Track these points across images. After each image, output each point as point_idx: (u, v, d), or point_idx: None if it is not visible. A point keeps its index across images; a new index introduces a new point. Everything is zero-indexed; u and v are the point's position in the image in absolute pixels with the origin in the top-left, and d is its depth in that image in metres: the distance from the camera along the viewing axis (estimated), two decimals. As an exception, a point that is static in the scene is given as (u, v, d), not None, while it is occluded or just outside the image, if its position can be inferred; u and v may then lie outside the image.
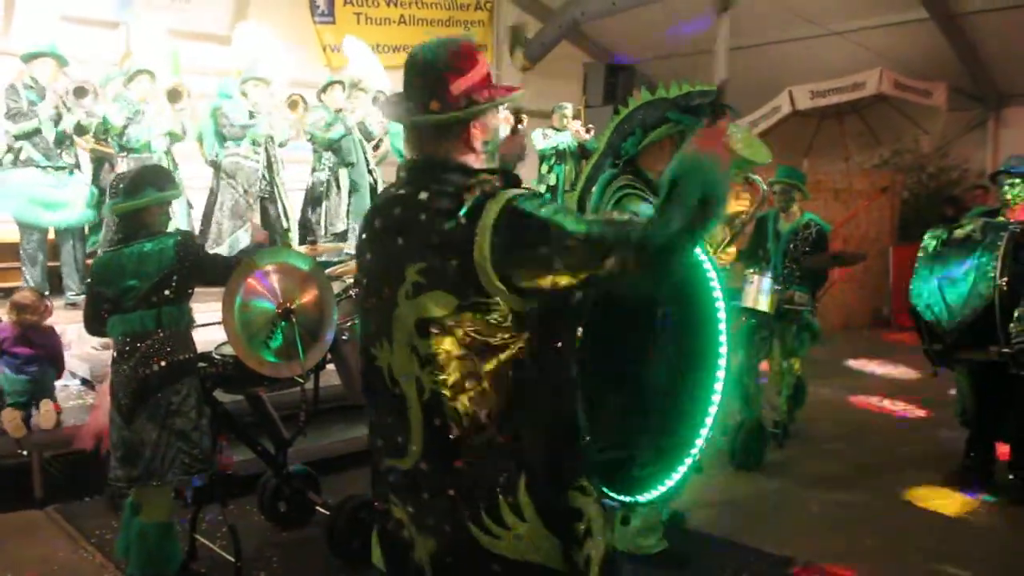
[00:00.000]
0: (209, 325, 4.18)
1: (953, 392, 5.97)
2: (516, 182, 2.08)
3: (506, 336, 2.03)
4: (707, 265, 2.72)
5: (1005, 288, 4.83)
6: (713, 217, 1.93)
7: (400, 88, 2.21)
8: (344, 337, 4.19)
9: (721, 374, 2.91)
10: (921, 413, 7.48)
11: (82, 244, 7.47)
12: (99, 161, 7.93)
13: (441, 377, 2.03)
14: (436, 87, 2.10)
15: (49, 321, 5.33)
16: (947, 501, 5.35)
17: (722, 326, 2.80)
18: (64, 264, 7.35)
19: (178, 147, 8.00)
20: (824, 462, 6.09)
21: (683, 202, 1.89)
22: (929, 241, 5.35)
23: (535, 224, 1.94)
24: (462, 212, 1.98)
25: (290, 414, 4.62)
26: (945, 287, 5.09)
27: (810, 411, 6.40)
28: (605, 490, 2.41)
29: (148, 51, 8.38)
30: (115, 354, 3.95)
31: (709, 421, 2.90)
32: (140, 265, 3.83)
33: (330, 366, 4.38)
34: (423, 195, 2.07)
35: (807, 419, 6.37)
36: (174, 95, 7.80)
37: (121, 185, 3.98)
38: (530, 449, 2.07)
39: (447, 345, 2.02)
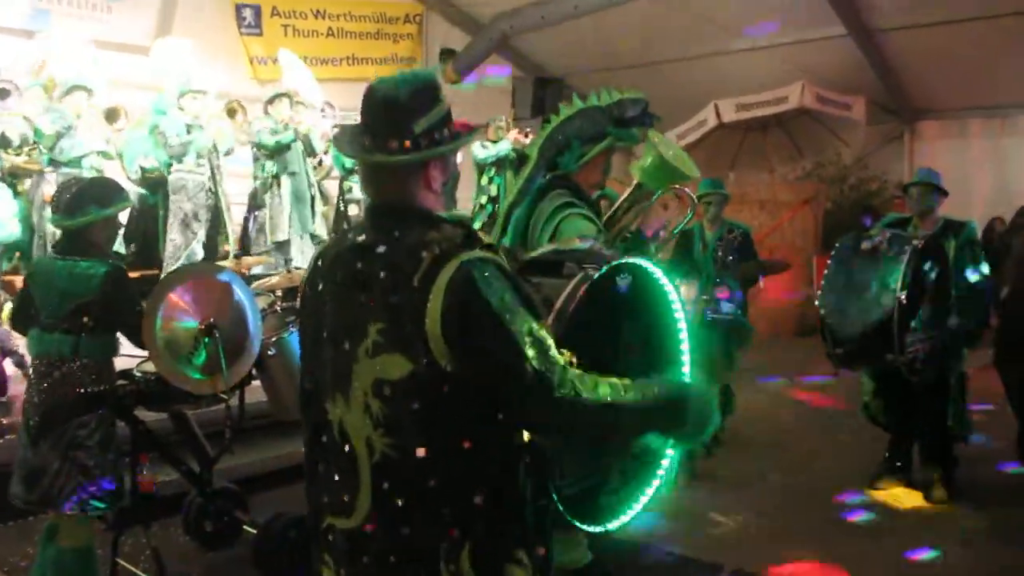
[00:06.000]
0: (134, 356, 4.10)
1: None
2: (473, 237, 2.03)
3: (458, 405, 1.97)
4: (667, 287, 2.72)
5: (904, 301, 4.99)
6: (688, 436, 2.19)
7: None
8: (270, 352, 4.12)
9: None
10: (844, 417, 7.62)
11: (-1, 261, 7.27)
12: (15, 175, 7.70)
13: (392, 441, 1.98)
14: (396, 126, 2.02)
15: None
16: (872, 501, 5.49)
17: (684, 346, 2.82)
18: (-18, 280, 7.14)
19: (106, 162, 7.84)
20: (753, 469, 6.18)
21: (667, 416, 2.09)
22: (839, 250, 5.51)
23: (483, 310, 1.92)
24: (416, 277, 1.94)
25: (215, 431, 4.53)
26: (850, 295, 5.25)
27: (738, 419, 6.49)
28: (575, 522, 2.39)
29: (66, 61, 8.19)
30: (31, 374, 3.84)
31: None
32: (69, 282, 3.74)
33: (256, 382, 4.31)
34: (381, 248, 2.02)
35: (735, 427, 6.46)
36: (112, 115, 7.69)
37: (63, 200, 3.84)
38: (477, 519, 2.01)
39: (399, 410, 1.97)
